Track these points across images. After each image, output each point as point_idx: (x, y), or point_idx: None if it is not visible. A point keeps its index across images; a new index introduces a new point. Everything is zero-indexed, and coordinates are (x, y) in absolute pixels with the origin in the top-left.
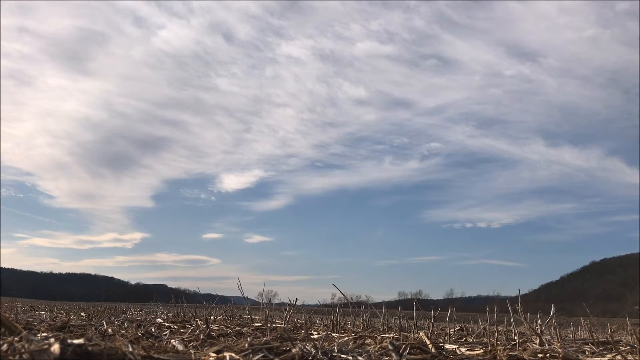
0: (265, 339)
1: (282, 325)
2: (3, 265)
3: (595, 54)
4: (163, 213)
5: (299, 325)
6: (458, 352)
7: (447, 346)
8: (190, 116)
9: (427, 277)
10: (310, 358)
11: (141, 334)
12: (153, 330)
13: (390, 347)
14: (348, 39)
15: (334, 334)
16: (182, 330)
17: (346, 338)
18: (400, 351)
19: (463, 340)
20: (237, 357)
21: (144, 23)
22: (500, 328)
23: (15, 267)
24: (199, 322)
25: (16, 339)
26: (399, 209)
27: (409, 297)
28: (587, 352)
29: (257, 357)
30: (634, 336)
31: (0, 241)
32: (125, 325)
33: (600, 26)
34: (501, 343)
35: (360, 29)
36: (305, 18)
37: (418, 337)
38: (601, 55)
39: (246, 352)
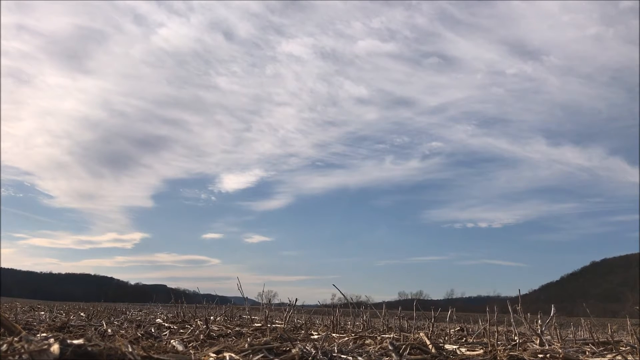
0: (265, 339)
1: (282, 326)
2: (3, 265)
3: (599, 52)
4: (163, 213)
5: (299, 325)
6: (458, 352)
7: (447, 346)
8: (190, 115)
9: (427, 277)
10: (310, 358)
11: (141, 334)
12: (153, 330)
13: (390, 348)
14: (349, 37)
15: (334, 335)
16: (181, 331)
17: (346, 338)
18: (401, 351)
19: (463, 340)
20: (237, 357)
21: (144, 21)
22: (500, 328)
23: (15, 267)
24: (198, 322)
25: (16, 339)
26: (399, 208)
27: (409, 297)
28: (587, 353)
29: (257, 357)
30: (634, 336)
31: (0, 241)
32: (125, 325)
33: (604, 24)
34: (501, 343)
35: (362, 26)
36: (306, 16)
37: (418, 337)
38: (604, 53)
39: (246, 353)
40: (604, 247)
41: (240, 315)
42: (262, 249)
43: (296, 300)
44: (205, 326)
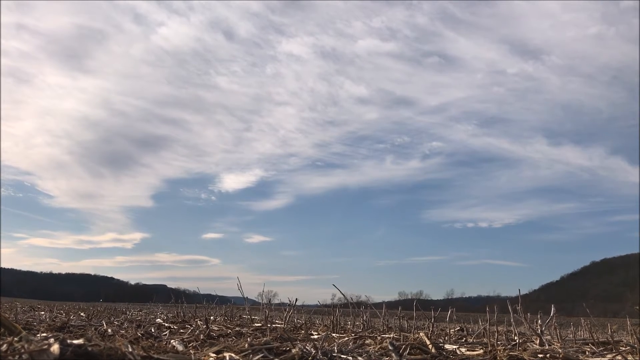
0: (265, 339)
1: (282, 326)
2: (3, 265)
3: (600, 52)
4: (163, 213)
5: (299, 325)
6: (458, 352)
7: (447, 346)
8: (190, 115)
9: (427, 277)
10: (310, 358)
11: (141, 334)
12: (153, 330)
13: (390, 348)
14: (349, 36)
15: (334, 334)
16: (182, 331)
17: (346, 338)
18: (401, 351)
19: (463, 340)
20: (237, 357)
21: (144, 20)
22: (500, 328)
23: (15, 267)
24: (198, 322)
25: (16, 339)
26: (399, 208)
27: (409, 297)
28: (587, 353)
29: (257, 357)
30: (634, 336)
31: (0, 241)
32: (125, 325)
33: (605, 23)
34: (501, 343)
35: (362, 26)
36: (306, 15)
37: (418, 337)
38: (605, 52)
39: (246, 353)
40: (604, 247)
41: (240, 315)
42: (262, 249)
43: (296, 300)
44: (205, 326)
